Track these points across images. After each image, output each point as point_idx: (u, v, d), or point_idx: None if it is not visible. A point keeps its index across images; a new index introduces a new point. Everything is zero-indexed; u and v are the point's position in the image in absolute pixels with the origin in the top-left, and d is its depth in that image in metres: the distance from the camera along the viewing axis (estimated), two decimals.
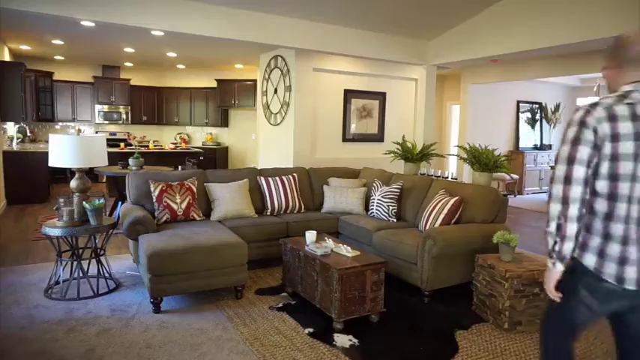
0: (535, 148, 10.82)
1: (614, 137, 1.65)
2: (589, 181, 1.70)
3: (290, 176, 5.13)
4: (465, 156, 4.78)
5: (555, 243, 1.73)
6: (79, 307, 3.52)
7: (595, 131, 1.66)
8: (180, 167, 6.92)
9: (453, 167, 10.28)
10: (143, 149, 8.73)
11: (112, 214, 6.08)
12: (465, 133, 9.75)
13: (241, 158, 11.53)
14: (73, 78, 10.37)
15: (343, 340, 3.10)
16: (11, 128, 8.39)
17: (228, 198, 4.57)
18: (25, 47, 8.40)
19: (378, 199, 4.78)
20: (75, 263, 3.81)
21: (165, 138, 11.60)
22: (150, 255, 3.37)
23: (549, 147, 10.88)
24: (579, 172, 1.67)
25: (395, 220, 4.67)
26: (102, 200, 3.84)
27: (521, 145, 10.60)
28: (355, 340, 3.10)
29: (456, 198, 4.09)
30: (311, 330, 3.23)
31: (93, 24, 5.11)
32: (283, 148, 6.85)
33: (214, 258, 3.57)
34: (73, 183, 3.80)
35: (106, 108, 10.60)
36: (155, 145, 9.54)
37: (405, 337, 3.21)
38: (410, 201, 4.70)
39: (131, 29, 5.14)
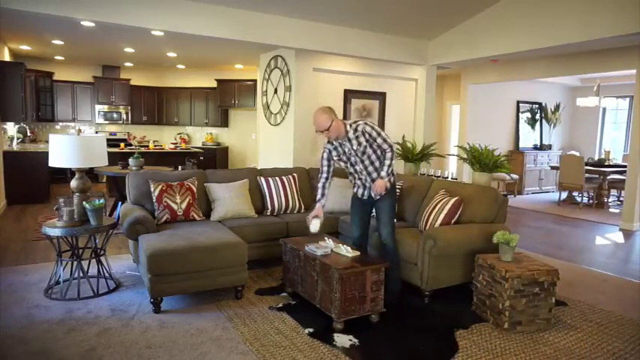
0: (535, 148, 10.82)
1: None
2: None
3: (290, 176, 5.13)
4: (465, 156, 4.78)
5: (390, 174, 3.73)
6: (79, 307, 3.52)
7: None
8: (180, 167, 6.92)
9: (453, 167, 10.29)
10: (143, 149, 8.73)
11: (112, 214, 6.08)
12: (465, 133, 9.75)
13: (241, 158, 11.53)
14: (73, 78, 10.38)
15: (343, 340, 3.10)
16: (11, 128, 8.40)
17: (228, 198, 4.57)
18: (25, 47, 8.41)
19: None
20: (75, 263, 3.81)
21: (165, 138, 11.60)
22: (150, 255, 3.37)
23: (549, 147, 10.87)
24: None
25: (395, 220, 4.66)
26: (102, 200, 3.84)
27: (521, 145, 10.60)
28: (355, 340, 3.10)
29: (456, 198, 4.09)
30: (311, 330, 3.23)
31: (93, 24, 5.12)
32: (283, 148, 6.86)
33: (214, 258, 3.57)
34: (73, 183, 3.80)
35: (106, 108, 10.61)
36: (155, 145, 9.54)
37: (405, 337, 3.21)
38: (410, 201, 4.70)
39: (131, 29, 5.14)
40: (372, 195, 3.73)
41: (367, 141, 3.62)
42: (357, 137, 3.62)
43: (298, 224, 4.68)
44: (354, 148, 3.65)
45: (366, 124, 3.63)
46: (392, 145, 3.68)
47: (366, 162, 3.69)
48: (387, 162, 3.65)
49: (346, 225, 4.76)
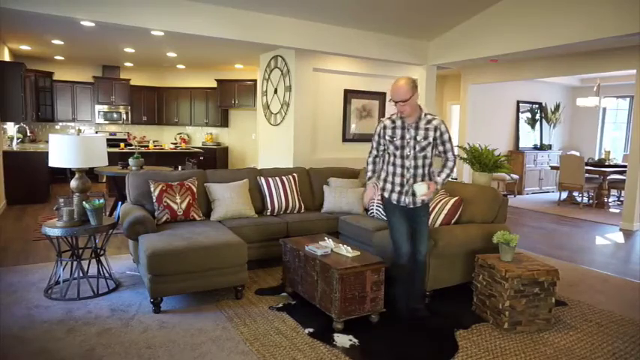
0: (535, 148, 10.82)
1: None
2: None
3: (290, 176, 5.13)
4: (465, 156, 4.79)
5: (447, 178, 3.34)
6: (79, 307, 3.52)
7: None
8: (180, 167, 6.93)
9: None
10: (143, 149, 8.73)
11: (112, 214, 6.08)
12: (465, 133, 9.75)
13: (241, 158, 11.54)
14: (73, 78, 10.38)
15: (343, 340, 3.10)
16: (11, 128, 8.40)
17: (228, 198, 4.57)
18: (25, 47, 8.40)
19: (378, 199, 4.78)
20: (75, 263, 3.81)
21: (165, 138, 11.60)
22: (150, 255, 3.37)
23: (549, 147, 10.87)
24: None
25: None
26: (102, 200, 3.84)
27: (521, 145, 10.60)
28: (355, 340, 3.10)
29: (456, 198, 4.09)
30: (311, 330, 3.23)
31: (93, 24, 5.11)
32: (283, 148, 6.85)
33: (214, 258, 3.57)
34: (73, 183, 3.80)
35: (106, 108, 10.61)
36: (155, 145, 9.54)
37: (405, 337, 3.21)
38: None
39: (131, 29, 5.14)
40: (416, 200, 3.31)
41: (435, 139, 3.25)
42: (426, 129, 3.23)
43: (298, 224, 4.68)
44: (418, 138, 3.23)
45: (442, 122, 3.30)
46: (455, 157, 3.36)
47: (419, 161, 3.28)
48: (447, 171, 3.29)
49: (346, 225, 4.75)
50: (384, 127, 3.34)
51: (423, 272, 3.53)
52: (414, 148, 3.25)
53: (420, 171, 3.29)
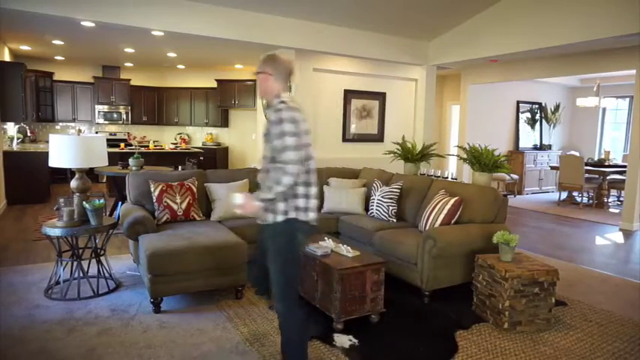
0: (535, 148, 10.83)
1: (307, 132, 2.41)
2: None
3: None
4: (465, 156, 4.79)
5: (274, 206, 2.39)
6: (79, 307, 3.53)
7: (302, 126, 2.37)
8: (180, 167, 6.92)
9: (453, 167, 10.29)
10: (143, 149, 8.73)
11: (112, 214, 6.08)
12: (465, 133, 9.76)
13: (241, 158, 11.53)
14: (73, 78, 10.38)
15: (343, 340, 3.10)
16: (11, 128, 8.40)
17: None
18: (25, 47, 8.41)
19: (378, 200, 4.78)
20: (75, 263, 3.81)
21: (165, 138, 11.60)
22: (150, 255, 3.37)
23: (549, 147, 10.88)
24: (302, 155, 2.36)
25: (395, 221, 4.67)
26: (102, 200, 3.84)
27: (521, 145, 10.61)
28: (355, 341, 3.10)
29: (456, 198, 4.09)
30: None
31: (93, 24, 5.12)
32: None
33: (214, 258, 3.57)
34: (74, 183, 3.80)
35: (106, 108, 10.61)
36: (155, 146, 9.54)
37: (405, 337, 3.21)
38: (410, 201, 4.70)
39: (131, 29, 5.15)
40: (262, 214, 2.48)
41: (276, 135, 2.34)
42: (272, 121, 2.38)
43: None
44: (267, 129, 2.43)
45: (291, 109, 2.35)
46: (295, 165, 2.29)
47: (266, 162, 2.46)
48: (269, 183, 2.33)
49: (346, 225, 4.76)
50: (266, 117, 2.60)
51: (284, 343, 2.50)
52: (265, 142, 2.48)
53: (264, 175, 2.45)
